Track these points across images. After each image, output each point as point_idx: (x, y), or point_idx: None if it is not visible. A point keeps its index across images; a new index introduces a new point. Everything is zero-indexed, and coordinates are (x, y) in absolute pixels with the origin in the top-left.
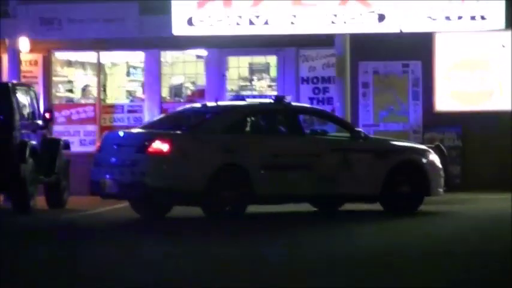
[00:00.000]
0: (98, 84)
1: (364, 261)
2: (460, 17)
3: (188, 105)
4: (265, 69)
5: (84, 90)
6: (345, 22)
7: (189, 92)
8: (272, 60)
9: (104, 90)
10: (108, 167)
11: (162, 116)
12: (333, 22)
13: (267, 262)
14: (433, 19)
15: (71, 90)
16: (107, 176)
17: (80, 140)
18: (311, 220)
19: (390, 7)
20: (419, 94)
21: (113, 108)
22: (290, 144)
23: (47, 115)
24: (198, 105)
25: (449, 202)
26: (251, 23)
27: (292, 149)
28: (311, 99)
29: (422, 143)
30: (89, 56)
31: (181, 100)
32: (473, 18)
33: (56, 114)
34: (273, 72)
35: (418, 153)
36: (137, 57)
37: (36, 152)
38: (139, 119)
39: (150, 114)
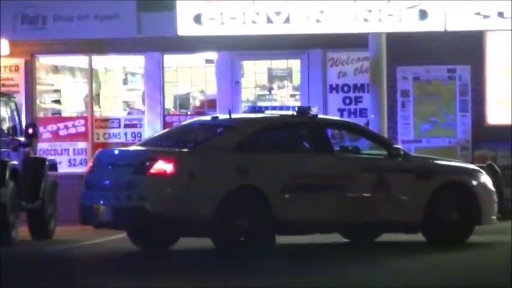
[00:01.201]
0: (89, 93)
1: None
2: None
3: (196, 118)
4: (287, 75)
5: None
6: (380, 20)
7: (197, 103)
8: (295, 64)
9: (97, 101)
10: (101, 190)
11: (165, 131)
12: (366, 20)
13: None
14: (485, 16)
15: (58, 101)
16: (101, 201)
17: (68, 159)
18: (342, 253)
19: (434, 2)
20: (468, 104)
21: (107, 121)
22: (316, 163)
23: (30, 130)
24: (207, 118)
25: (504, 232)
26: (270, 20)
27: (318, 169)
28: (341, 111)
29: (471, 162)
30: (79, 61)
31: (188, 112)
32: None
33: (41, 129)
34: (296, 79)
35: (467, 174)
36: (136, 62)
37: (18, 174)
38: (139, 134)
39: (151, 129)
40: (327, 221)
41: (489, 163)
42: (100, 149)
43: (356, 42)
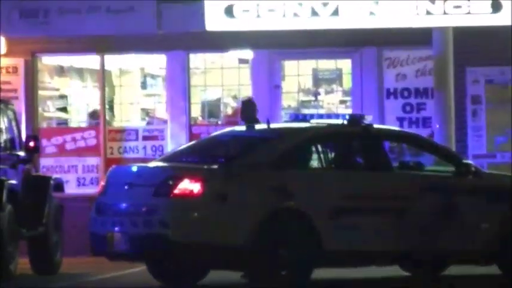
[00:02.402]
0: (101, 99)
1: None
2: None
3: (228, 129)
4: (336, 77)
5: (93, 114)
6: (446, 12)
7: (228, 111)
8: (345, 65)
9: (111, 109)
10: (116, 215)
11: (191, 143)
12: (429, 12)
13: None
14: None
15: (64, 109)
16: (115, 228)
17: (77, 178)
18: None
19: None
20: None
21: (122, 133)
22: (371, 182)
23: (31, 143)
24: (241, 128)
25: None
26: (315, 13)
27: (374, 190)
28: (400, 120)
29: None
30: (89, 61)
31: (218, 122)
32: None
33: (44, 142)
34: (347, 82)
35: None
36: (156, 62)
37: (17, 195)
38: (160, 148)
39: (174, 142)
40: (384, 252)
41: None
42: (114, 166)
43: (417, 38)
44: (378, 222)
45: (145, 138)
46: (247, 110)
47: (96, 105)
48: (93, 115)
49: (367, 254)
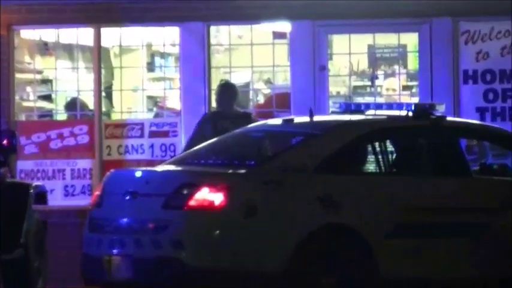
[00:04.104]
0: (96, 84)
1: None
2: None
3: (259, 123)
4: (398, 56)
5: (71, 105)
6: None
7: (260, 99)
8: (411, 40)
9: (108, 97)
10: (114, 233)
11: (211, 141)
12: None
13: None
14: None
15: (48, 97)
16: (113, 250)
17: (64, 185)
18: None
19: None
20: None
21: (123, 128)
22: (443, 191)
23: (5, 141)
24: (276, 121)
25: None
26: None
27: (446, 201)
28: (481, 111)
29: None
30: (81, 35)
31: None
32: None
33: (22, 139)
34: (413, 62)
35: None
36: (167, 37)
37: None
38: (172, 147)
39: None
40: (459, 279)
41: None
42: (112, 170)
43: (503, 7)
44: (452, 242)
45: (152, 134)
46: (223, 97)
47: (87, 92)
48: (71, 105)
49: (437, 282)
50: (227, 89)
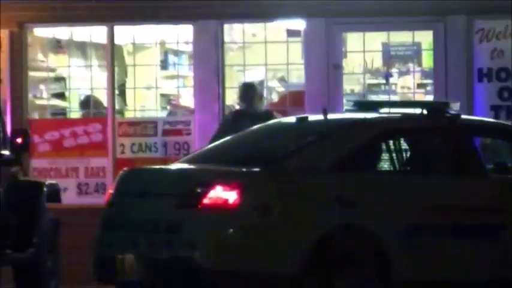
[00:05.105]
0: (110, 82)
1: None
2: None
3: (274, 120)
4: (413, 54)
5: (86, 103)
6: None
7: (274, 97)
8: (425, 38)
9: (122, 95)
10: (128, 232)
11: (224, 140)
12: None
13: None
14: None
15: (61, 95)
16: (127, 250)
17: (77, 183)
18: None
19: None
20: None
21: (136, 126)
22: (459, 191)
23: (19, 140)
24: (290, 120)
25: None
26: None
27: (462, 201)
28: (496, 109)
29: None
30: (95, 33)
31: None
32: None
33: (35, 138)
34: (427, 59)
35: None
36: (180, 35)
37: None
38: (185, 145)
39: (203, 138)
40: (475, 282)
41: None
42: (126, 169)
43: None
44: (469, 243)
45: (166, 132)
46: (246, 97)
47: (100, 90)
48: (86, 104)
49: (454, 285)
50: (249, 89)
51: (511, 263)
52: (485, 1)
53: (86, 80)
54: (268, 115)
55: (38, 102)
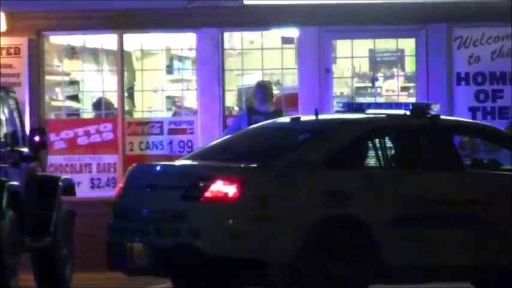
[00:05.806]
0: (119, 86)
1: None
2: None
3: (270, 121)
4: (397, 60)
5: (98, 105)
6: None
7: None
8: (408, 45)
9: (130, 97)
10: (136, 222)
11: (225, 138)
12: None
13: None
14: None
15: (75, 97)
16: (135, 238)
17: (90, 178)
18: None
19: None
20: None
21: (144, 126)
22: (440, 184)
23: (37, 138)
24: (285, 120)
25: None
26: None
27: (443, 193)
28: (473, 110)
29: None
30: (106, 40)
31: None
32: None
33: (52, 136)
34: (410, 65)
35: None
36: (184, 42)
37: (19, 200)
38: (189, 143)
39: (206, 136)
40: (454, 265)
41: None
42: (134, 165)
43: (494, 13)
44: (448, 231)
45: (171, 131)
46: (258, 95)
47: (111, 92)
48: (98, 105)
49: (435, 268)
50: (262, 88)
51: (488, 250)
52: (463, 10)
53: (97, 83)
54: (278, 113)
55: (54, 103)
